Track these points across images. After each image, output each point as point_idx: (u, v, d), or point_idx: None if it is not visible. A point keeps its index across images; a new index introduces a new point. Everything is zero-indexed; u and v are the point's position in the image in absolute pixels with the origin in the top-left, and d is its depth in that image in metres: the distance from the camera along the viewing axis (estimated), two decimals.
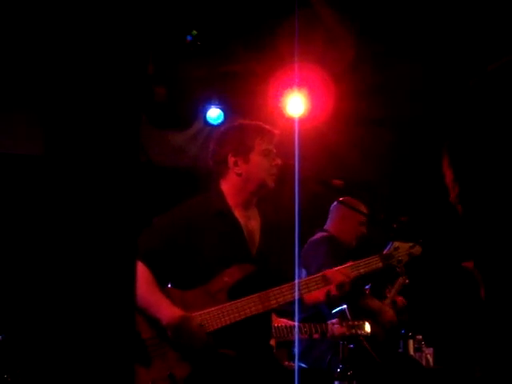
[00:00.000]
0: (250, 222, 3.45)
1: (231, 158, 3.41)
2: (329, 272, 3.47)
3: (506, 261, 2.51)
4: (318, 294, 3.54)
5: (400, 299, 5.19)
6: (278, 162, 3.43)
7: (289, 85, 6.04)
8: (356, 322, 3.72)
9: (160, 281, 3.26)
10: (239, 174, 3.41)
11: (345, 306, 4.35)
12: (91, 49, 1.54)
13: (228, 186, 3.44)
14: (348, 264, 3.57)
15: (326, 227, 5.09)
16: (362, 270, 3.58)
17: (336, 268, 3.51)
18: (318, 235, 4.94)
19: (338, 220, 5.08)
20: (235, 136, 3.45)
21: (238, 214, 3.41)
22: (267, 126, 3.51)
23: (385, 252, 3.68)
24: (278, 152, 3.49)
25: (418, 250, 3.72)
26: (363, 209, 5.03)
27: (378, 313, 4.94)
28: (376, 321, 4.84)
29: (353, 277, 3.52)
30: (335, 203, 5.11)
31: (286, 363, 4.39)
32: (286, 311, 3.56)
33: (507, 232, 2.51)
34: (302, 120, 6.03)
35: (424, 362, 5.37)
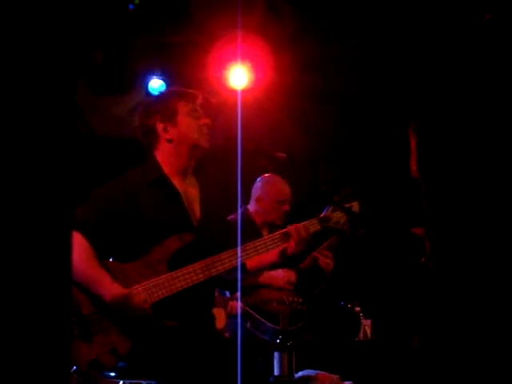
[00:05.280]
0: (189, 190, 3.44)
1: (159, 125, 3.42)
2: (293, 227, 3.48)
3: (462, 235, 2.52)
4: (267, 257, 3.55)
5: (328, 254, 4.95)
6: (207, 121, 3.43)
7: (231, 57, 6.01)
8: None
9: (100, 254, 3.22)
10: (170, 140, 3.42)
11: None
12: (24, 8, 1.49)
13: (162, 155, 3.44)
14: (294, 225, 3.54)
15: (248, 206, 5.07)
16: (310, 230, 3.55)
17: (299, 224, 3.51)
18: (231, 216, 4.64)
19: (254, 201, 5.04)
20: (158, 103, 3.50)
21: (175, 181, 3.40)
22: (189, 90, 3.56)
23: (322, 215, 3.63)
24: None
25: (356, 207, 3.66)
26: (285, 187, 5.02)
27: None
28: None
29: (312, 233, 3.52)
30: (255, 183, 5.08)
31: (227, 334, 4.41)
32: (225, 280, 3.53)
33: (467, 206, 2.51)
34: (244, 92, 6.02)
35: (362, 334, 5.45)
